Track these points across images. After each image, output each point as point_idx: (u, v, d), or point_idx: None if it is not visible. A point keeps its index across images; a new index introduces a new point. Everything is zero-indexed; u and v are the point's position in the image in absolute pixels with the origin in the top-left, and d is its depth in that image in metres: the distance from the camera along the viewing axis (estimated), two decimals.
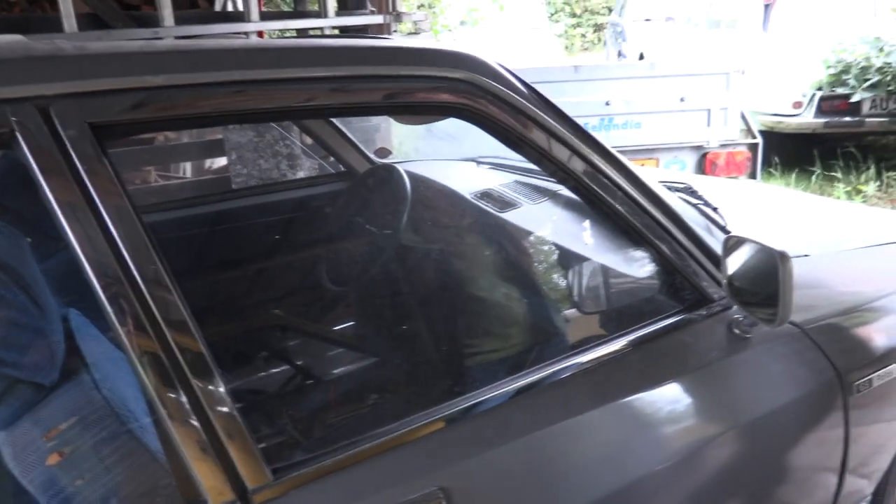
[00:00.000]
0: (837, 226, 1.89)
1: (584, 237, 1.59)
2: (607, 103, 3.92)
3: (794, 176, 5.07)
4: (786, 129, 5.17)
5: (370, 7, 3.26)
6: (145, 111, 0.79)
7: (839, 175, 4.90)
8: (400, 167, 1.94)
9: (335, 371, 1.57)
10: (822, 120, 5.05)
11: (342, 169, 2.38)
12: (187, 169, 3.47)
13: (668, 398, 1.12)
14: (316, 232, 2.14)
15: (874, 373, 1.36)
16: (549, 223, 1.70)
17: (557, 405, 1.01)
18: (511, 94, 1.04)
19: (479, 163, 2.31)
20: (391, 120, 3.22)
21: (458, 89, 0.99)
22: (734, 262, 1.14)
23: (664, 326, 1.18)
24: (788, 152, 5.21)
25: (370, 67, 0.95)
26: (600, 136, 1.13)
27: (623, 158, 1.16)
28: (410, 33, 3.25)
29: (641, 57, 9.04)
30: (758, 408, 1.19)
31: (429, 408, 0.95)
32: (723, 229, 1.33)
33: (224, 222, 2.05)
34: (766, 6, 5.82)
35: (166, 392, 0.76)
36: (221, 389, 0.78)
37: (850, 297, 1.44)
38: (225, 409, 0.78)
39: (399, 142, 3.10)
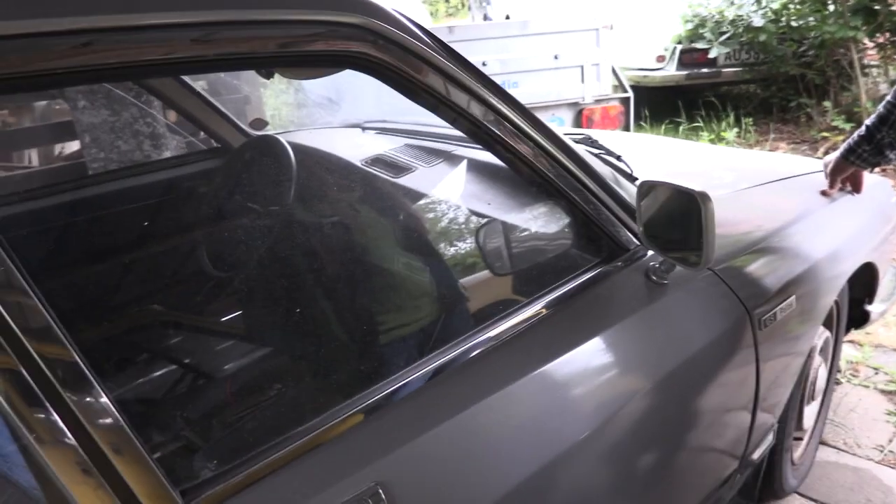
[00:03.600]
0: (726, 169, 1.93)
1: (489, 197, 1.52)
2: (484, 64, 3.88)
3: (663, 127, 5.28)
4: (651, 82, 5.37)
5: None
6: None
7: (702, 124, 5.15)
8: (281, 137, 1.79)
9: (237, 369, 1.42)
10: (683, 72, 5.28)
11: (215, 145, 2.18)
12: (33, 157, 3.09)
13: (592, 358, 1.07)
14: (192, 215, 1.95)
15: (777, 306, 1.39)
16: (450, 185, 1.62)
17: (479, 381, 0.94)
18: (411, 39, 0.93)
19: (364, 128, 2.19)
20: (263, 88, 3.01)
21: (354, 36, 0.87)
22: (649, 208, 1.10)
23: (582, 283, 1.13)
24: (655, 105, 5.42)
25: (250, 11, 0.81)
26: None
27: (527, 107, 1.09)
28: None
29: (507, 18, 9.09)
30: (680, 354, 1.17)
31: (345, 400, 0.85)
32: (630, 177, 1.30)
33: (85, 212, 1.82)
34: None
35: (33, 412, 0.62)
36: (102, 400, 0.65)
37: (749, 235, 1.46)
38: (108, 422, 0.65)
39: (274, 111, 2.90)
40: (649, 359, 1.13)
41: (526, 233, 1.32)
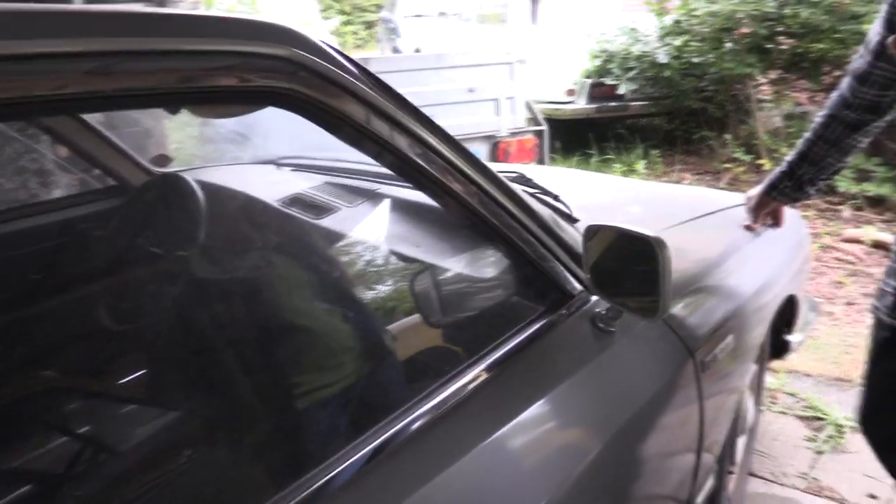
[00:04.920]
0: (649, 204, 1.93)
1: (418, 239, 1.43)
2: None
3: (574, 160, 5.37)
4: (562, 115, 5.47)
5: None
6: None
7: (613, 156, 5.28)
8: (187, 176, 1.64)
9: (141, 438, 1.24)
10: (593, 106, 5.41)
11: (112, 183, 2.00)
12: None
13: (545, 419, 0.98)
14: (86, 262, 1.76)
15: (717, 346, 1.37)
16: (376, 227, 1.52)
17: (425, 459, 0.83)
18: (343, 74, 0.84)
19: (279, 165, 2.06)
20: (166, 121, 2.81)
21: (280, 69, 0.77)
22: (596, 252, 1.04)
23: (528, 336, 1.05)
24: (566, 138, 5.53)
25: (155, 41, 0.69)
26: None
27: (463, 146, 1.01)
28: None
29: (417, 51, 9.16)
30: (631, 405, 1.11)
31: (271, 491, 0.73)
32: (569, 218, 1.24)
33: None
34: (533, 2, 6.12)
35: None
36: None
37: (684, 275, 1.43)
38: None
39: (179, 146, 2.71)
40: (602, 413, 1.06)
41: (462, 280, 1.24)
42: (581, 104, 5.43)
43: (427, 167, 0.95)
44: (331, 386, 1.17)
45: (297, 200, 1.66)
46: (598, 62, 5.36)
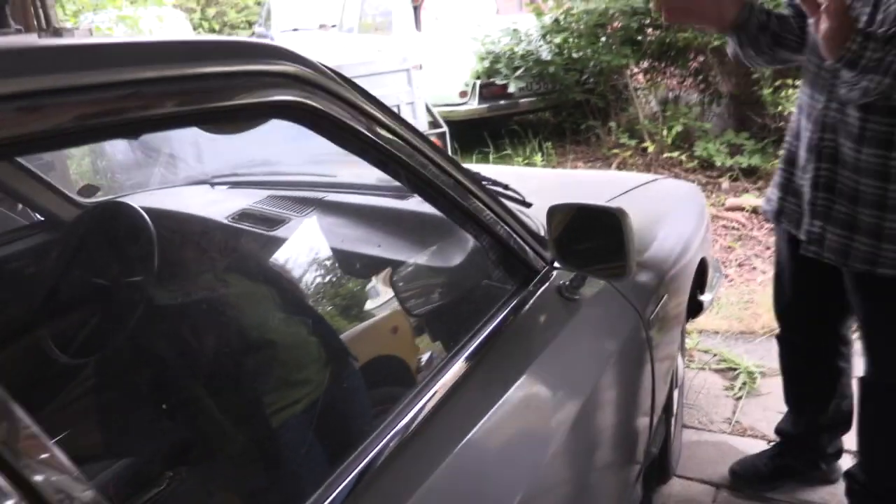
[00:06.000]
0: (573, 188, 2.09)
1: (377, 239, 1.50)
2: None
3: (473, 157, 5.56)
4: (456, 116, 5.65)
5: (14, 25, 2.70)
6: None
7: (510, 152, 5.51)
8: (131, 201, 1.63)
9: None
10: (485, 105, 5.63)
11: (38, 218, 1.94)
12: None
13: (530, 394, 1.06)
14: (26, 299, 1.70)
15: (658, 304, 1.53)
16: (334, 232, 1.57)
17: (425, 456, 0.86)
18: (337, 85, 0.92)
19: (213, 184, 2.06)
20: (65, 153, 2.70)
21: (286, 85, 0.84)
22: (558, 229, 1.16)
23: (507, 313, 1.13)
24: (462, 137, 5.71)
25: (174, 67, 0.74)
26: None
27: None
28: None
29: None
30: (600, 368, 1.23)
31: None
32: (523, 202, 1.36)
33: None
34: (415, 8, 6.27)
35: None
36: None
37: None
38: None
39: (84, 174, 2.62)
40: (578, 379, 1.17)
41: (434, 272, 1.33)
42: (474, 105, 5.63)
43: (408, 161, 1.03)
44: (302, 400, 1.18)
45: (245, 215, 1.69)
46: (485, 63, 5.58)
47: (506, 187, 1.44)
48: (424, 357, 1.27)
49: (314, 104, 0.86)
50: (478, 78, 5.61)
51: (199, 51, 0.79)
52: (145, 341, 1.41)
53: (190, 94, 0.76)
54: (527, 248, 1.22)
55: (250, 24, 14.67)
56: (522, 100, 5.75)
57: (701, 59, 5.52)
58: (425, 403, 0.92)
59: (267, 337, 1.37)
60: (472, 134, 5.74)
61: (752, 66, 1.79)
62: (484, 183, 1.35)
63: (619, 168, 5.16)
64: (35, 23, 2.84)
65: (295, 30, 9.87)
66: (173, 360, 1.36)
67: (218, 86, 0.78)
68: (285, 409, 1.18)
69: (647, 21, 5.38)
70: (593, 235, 1.11)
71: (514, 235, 1.19)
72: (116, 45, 0.73)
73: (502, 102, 5.70)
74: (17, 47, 0.60)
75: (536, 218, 1.36)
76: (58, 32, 2.76)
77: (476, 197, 1.12)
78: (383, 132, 0.98)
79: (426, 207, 1.27)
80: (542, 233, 1.29)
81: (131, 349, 1.41)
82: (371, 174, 1.72)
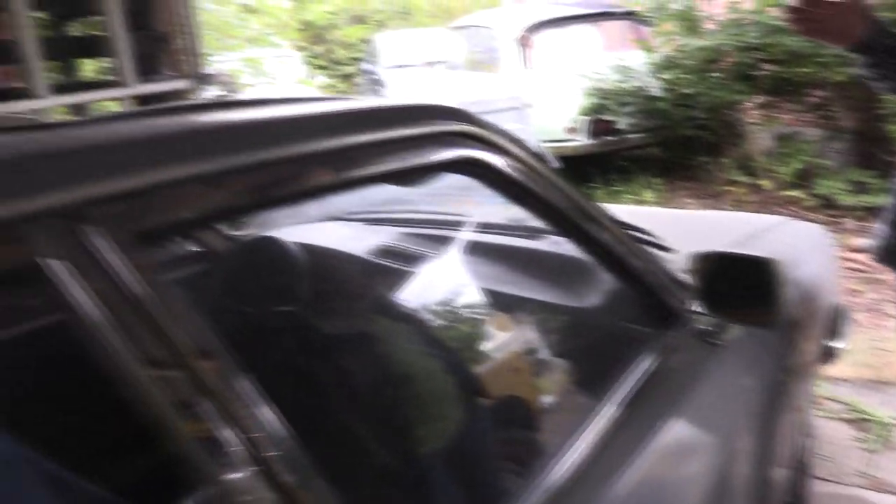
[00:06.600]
0: (699, 229, 2.08)
1: (514, 278, 1.56)
2: None
3: None
4: (564, 152, 5.67)
5: (168, 72, 2.99)
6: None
7: (619, 188, 5.48)
8: (278, 236, 1.76)
9: None
10: (594, 141, 5.64)
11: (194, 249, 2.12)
12: None
13: (673, 445, 1.07)
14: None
15: (793, 351, 1.51)
16: (470, 270, 1.64)
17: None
18: (500, 139, 0.99)
19: (343, 220, 2.19)
20: None
21: (456, 142, 0.92)
22: (706, 276, 1.19)
23: (649, 362, 1.15)
24: (568, 173, 5.72)
25: (371, 134, 0.84)
26: None
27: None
28: (220, 95, 3.04)
29: None
30: (738, 417, 1.24)
31: None
32: (664, 248, 1.39)
33: None
34: (523, 46, 6.38)
35: None
36: None
37: None
38: None
39: None
40: (720, 427, 1.18)
41: (571, 311, 1.37)
42: (583, 140, 5.65)
43: (560, 206, 1.09)
44: (442, 435, 1.23)
45: (388, 252, 1.79)
46: (594, 100, 5.61)
47: (645, 232, 1.47)
48: (565, 399, 1.31)
49: (482, 159, 0.94)
50: (586, 114, 5.63)
51: (385, 117, 0.89)
52: (292, 368, 1.52)
53: (381, 157, 0.85)
54: (667, 291, 1.25)
55: (355, 60, 15.27)
56: (630, 135, 5.72)
57: (820, 93, 5.33)
58: (577, 451, 0.94)
59: (406, 370, 1.44)
60: (580, 170, 5.75)
61: (878, 91, 1.74)
62: (624, 226, 1.40)
63: (732, 206, 5.03)
64: (185, 69, 3.13)
65: (401, 66, 10.21)
66: (321, 388, 1.46)
67: (403, 148, 0.87)
68: (426, 443, 1.23)
69: (763, 56, 5.26)
70: (741, 283, 1.13)
71: (656, 278, 1.23)
72: (332, 115, 0.83)
73: (611, 138, 5.70)
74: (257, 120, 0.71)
75: (673, 260, 1.38)
76: (204, 80, 3.03)
77: (620, 240, 1.17)
78: (540, 180, 1.05)
79: (560, 247, 1.33)
80: (680, 276, 1.32)
81: (279, 374, 1.51)
82: (504, 213, 1.80)
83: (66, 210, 0.52)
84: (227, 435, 0.61)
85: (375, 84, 11.15)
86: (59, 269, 0.52)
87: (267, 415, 0.65)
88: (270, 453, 0.65)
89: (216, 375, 0.61)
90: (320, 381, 1.48)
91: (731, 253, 1.13)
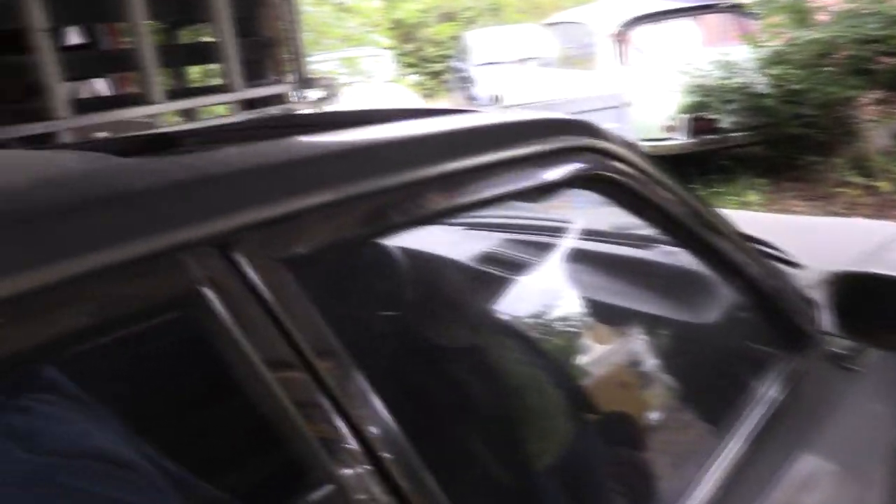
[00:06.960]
0: (819, 237, 1.96)
1: (627, 290, 1.51)
2: None
3: None
4: (660, 151, 5.48)
5: (273, 75, 3.08)
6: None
7: (721, 189, 5.26)
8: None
9: None
10: (694, 140, 5.43)
11: None
12: None
13: (810, 477, 1.02)
14: None
15: None
16: (579, 280, 1.60)
17: None
18: (626, 152, 0.95)
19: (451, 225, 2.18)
20: None
21: (583, 158, 0.89)
22: (843, 296, 1.11)
23: (781, 387, 1.09)
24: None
25: (502, 152, 0.82)
26: None
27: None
28: (320, 98, 3.11)
29: (497, 99, 9.32)
30: (876, 448, 1.15)
31: None
32: (792, 263, 1.30)
33: None
34: (619, 42, 6.21)
35: None
36: None
37: None
38: None
39: None
40: (857, 458, 1.11)
41: (691, 328, 1.31)
42: (682, 139, 5.46)
43: (686, 220, 1.04)
44: (550, 450, 1.19)
45: (490, 259, 1.77)
46: (694, 97, 5.40)
47: (772, 246, 1.39)
48: (683, 423, 1.24)
49: (609, 174, 0.90)
50: (686, 112, 5.43)
51: (514, 133, 0.86)
52: (407, 374, 1.52)
53: (511, 175, 0.83)
54: (797, 310, 1.17)
55: (444, 57, 15.36)
56: (733, 134, 5.47)
57: None
58: (702, 490, 0.89)
59: (513, 381, 1.41)
60: (678, 170, 5.55)
61: None
62: (749, 239, 1.32)
63: (845, 209, 4.73)
64: (289, 73, 3.22)
65: (492, 63, 10.17)
66: (434, 396, 1.45)
67: (532, 166, 0.85)
68: (537, 459, 1.21)
69: (882, 48, 4.91)
70: (882, 303, 1.05)
71: (784, 295, 1.15)
72: (465, 132, 0.82)
73: (712, 137, 5.47)
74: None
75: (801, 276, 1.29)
76: (307, 84, 3.10)
77: (745, 253, 1.10)
78: (665, 192, 1.00)
79: (677, 258, 1.27)
80: (809, 294, 1.23)
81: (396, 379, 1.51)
82: (613, 222, 1.74)
83: (219, 238, 0.53)
84: (345, 434, 0.62)
85: (465, 82, 11.20)
86: (212, 297, 0.53)
87: (384, 418, 0.66)
88: (386, 455, 0.65)
89: (337, 377, 0.61)
90: (434, 389, 1.48)
91: (872, 273, 1.05)
